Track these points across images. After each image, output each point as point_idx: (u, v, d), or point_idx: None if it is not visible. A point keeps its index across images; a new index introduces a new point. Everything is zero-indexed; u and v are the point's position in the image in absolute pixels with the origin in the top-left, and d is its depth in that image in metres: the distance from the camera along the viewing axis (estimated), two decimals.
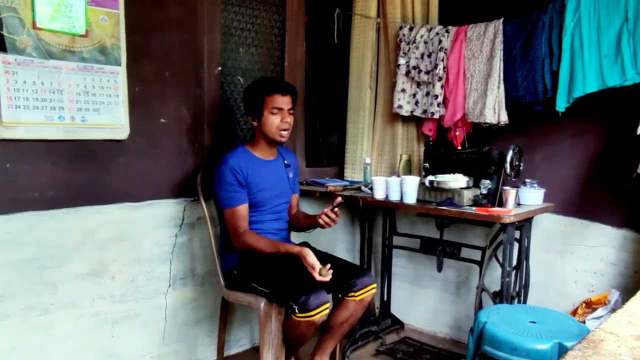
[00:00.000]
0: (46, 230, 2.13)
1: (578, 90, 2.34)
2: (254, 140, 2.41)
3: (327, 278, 2.10)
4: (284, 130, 2.33)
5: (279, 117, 2.30)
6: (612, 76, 2.27)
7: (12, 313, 2.06)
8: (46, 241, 2.13)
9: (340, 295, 2.28)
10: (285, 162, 2.50)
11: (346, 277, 2.25)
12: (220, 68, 2.71)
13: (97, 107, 2.22)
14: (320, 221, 2.27)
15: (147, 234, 2.45)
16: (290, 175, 2.51)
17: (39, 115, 2.06)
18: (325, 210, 2.27)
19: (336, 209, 2.26)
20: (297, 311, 2.04)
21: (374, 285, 2.29)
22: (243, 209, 2.29)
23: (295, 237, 2.58)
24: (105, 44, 2.22)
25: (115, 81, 2.26)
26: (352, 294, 2.22)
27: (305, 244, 2.52)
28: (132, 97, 2.32)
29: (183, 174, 2.56)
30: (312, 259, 2.13)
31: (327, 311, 2.10)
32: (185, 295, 2.63)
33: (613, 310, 2.27)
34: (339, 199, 2.27)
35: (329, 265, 2.13)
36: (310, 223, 2.43)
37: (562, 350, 1.76)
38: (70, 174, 2.19)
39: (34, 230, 2.09)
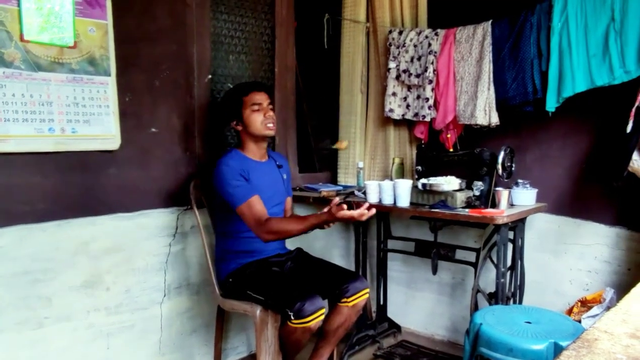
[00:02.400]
0: (38, 243, 2.11)
1: (567, 90, 2.36)
2: (242, 145, 2.41)
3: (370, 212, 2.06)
4: (270, 123, 2.33)
5: (261, 113, 2.32)
6: (601, 75, 2.28)
7: (5, 328, 2.04)
8: (38, 254, 2.11)
9: (334, 302, 2.27)
10: (277, 163, 2.50)
11: (339, 283, 2.24)
12: (210, 76, 2.71)
13: (88, 118, 2.21)
14: (357, 215, 2.07)
15: (141, 244, 2.44)
16: (284, 177, 2.51)
17: (29, 127, 2.05)
18: (362, 207, 2.08)
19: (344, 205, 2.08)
20: (292, 318, 2.03)
21: (367, 290, 2.28)
22: (257, 199, 2.22)
23: (290, 242, 2.57)
24: (94, 55, 2.21)
25: (105, 92, 2.26)
26: (345, 299, 2.21)
27: (299, 250, 2.52)
28: (122, 108, 2.32)
29: (175, 182, 2.56)
30: (343, 213, 2.01)
31: (322, 317, 2.09)
32: (181, 305, 2.62)
33: (608, 308, 2.27)
34: (337, 199, 2.16)
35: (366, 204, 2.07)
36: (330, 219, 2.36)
37: (558, 349, 1.76)
38: (62, 186, 2.17)
39: (25, 243, 2.08)
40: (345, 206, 2.02)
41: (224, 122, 2.56)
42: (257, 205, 2.20)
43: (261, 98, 2.34)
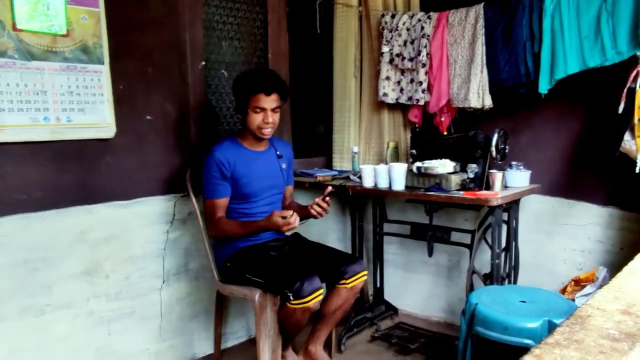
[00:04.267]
0: (37, 232, 2.13)
1: (560, 71, 2.37)
2: (243, 133, 2.41)
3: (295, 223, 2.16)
4: (267, 129, 2.32)
5: (261, 117, 2.29)
6: (593, 57, 2.29)
7: (7, 316, 2.06)
8: (37, 243, 2.13)
9: (332, 284, 2.30)
10: (278, 152, 2.50)
11: (337, 265, 2.27)
12: (203, 63, 2.70)
13: (82, 106, 2.21)
14: (313, 212, 2.28)
15: (139, 232, 2.46)
16: (284, 166, 2.51)
17: (24, 117, 2.05)
18: (317, 200, 2.27)
19: (327, 198, 2.27)
20: (291, 298, 2.06)
21: (365, 272, 2.31)
22: (222, 202, 2.33)
23: None
24: (87, 43, 2.21)
25: (99, 80, 2.26)
26: (344, 281, 2.25)
27: (296, 235, 2.54)
28: (116, 96, 2.32)
29: (171, 170, 2.57)
30: (276, 219, 2.16)
31: (321, 297, 2.13)
32: (180, 291, 2.65)
33: (601, 286, 2.31)
34: (329, 188, 2.28)
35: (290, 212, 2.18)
36: (303, 214, 2.44)
37: (552, 327, 1.80)
38: (59, 175, 2.18)
39: (24, 232, 2.09)
40: (277, 216, 2.17)
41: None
42: (218, 206, 2.32)
43: (267, 102, 2.27)
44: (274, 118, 2.32)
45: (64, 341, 2.23)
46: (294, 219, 2.15)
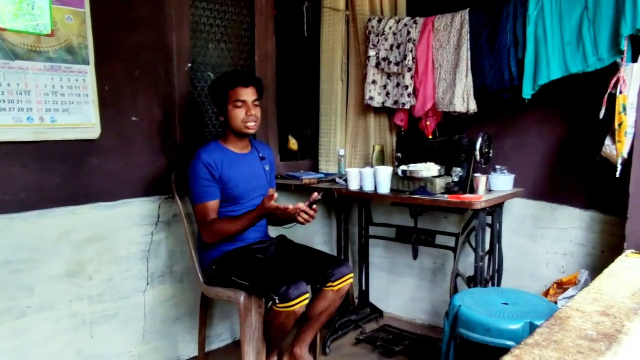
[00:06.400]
0: (19, 233, 2.11)
1: (543, 77, 2.40)
2: (225, 136, 2.41)
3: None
4: (251, 122, 2.32)
5: (244, 110, 2.29)
6: (575, 63, 2.33)
7: None
8: (20, 244, 2.11)
9: (318, 286, 2.30)
10: (260, 155, 2.51)
11: (324, 268, 2.28)
12: (190, 65, 2.70)
13: (67, 107, 2.20)
14: (300, 219, 2.20)
15: (123, 233, 2.44)
16: (267, 168, 2.51)
17: (7, 117, 2.04)
18: (303, 207, 2.18)
19: (314, 206, 2.21)
20: (277, 302, 2.06)
21: (352, 275, 2.32)
22: (214, 204, 2.31)
23: (273, 231, 2.59)
24: (73, 44, 2.20)
25: (84, 81, 2.24)
26: (330, 284, 2.25)
27: (282, 237, 2.54)
28: (102, 97, 2.31)
29: (157, 171, 2.56)
30: (269, 204, 2.12)
31: (307, 301, 2.13)
32: (164, 293, 2.63)
33: (583, 289, 2.34)
34: (316, 194, 2.21)
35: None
36: (288, 217, 2.42)
37: (533, 329, 1.82)
38: (43, 176, 2.17)
39: (6, 233, 2.07)
40: (275, 196, 2.13)
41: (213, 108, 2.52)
42: (210, 209, 2.29)
43: (247, 94, 2.30)
44: (256, 111, 2.33)
45: (45, 344, 2.21)
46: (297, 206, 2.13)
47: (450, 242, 2.78)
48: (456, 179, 2.56)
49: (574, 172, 2.62)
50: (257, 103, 2.35)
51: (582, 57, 2.29)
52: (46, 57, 2.12)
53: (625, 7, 2.09)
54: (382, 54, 2.94)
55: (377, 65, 2.97)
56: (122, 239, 2.44)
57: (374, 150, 3.05)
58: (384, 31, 2.93)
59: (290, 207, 2.12)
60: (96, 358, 2.38)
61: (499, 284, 2.77)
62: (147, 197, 2.53)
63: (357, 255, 3.30)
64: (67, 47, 2.18)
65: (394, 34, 2.91)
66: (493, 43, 2.58)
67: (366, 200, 3.12)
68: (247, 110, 2.30)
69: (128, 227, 2.46)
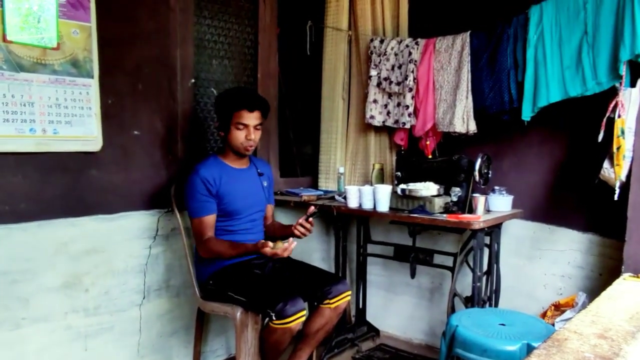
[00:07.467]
0: (17, 243, 2.10)
1: (542, 100, 2.43)
2: (224, 151, 2.43)
3: (288, 247, 2.13)
4: (249, 146, 2.35)
5: (244, 133, 2.32)
6: (574, 86, 2.35)
7: None
8: (17, 254, 2.10)
9: (315, 303, 2.30)
10: (259, 171, 2.52)
11: (321, 285, 2.27)
12: (193, 80, 2.72)
13: (70, 119, 2.21)
14: (296, 232, 2.28)
15: (121, 246, 2.44)
16: (265, 184, 2.53)
17: (10, 128, 2.05)
18: (300, 220, 2.28)
19: (310, 219, 2.28)
20: (274, 318, 2.06)
21: (349, 292, 2.32)
22: (211, 218, 2.32)
23: None
24: (78, 57, 2.22)
25: (87, 93, 2.26)
26: (328, 301, 2.25)
27: None
28: (104, 110, 2.33)
29: (157, 185, 2.56)
30: (265, 250, 2.14)
31: (303, 318, 2.12)
32: (161, 307, 2.62)
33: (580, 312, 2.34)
34: (312, 208, 2.30)
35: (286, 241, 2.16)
36: (285, 233, 2.44)
37: (530, 350, 1.81)
38: (43, 187, 2.17)
39: (4, 243, 2.07)
40: (270, 243, 2.14)
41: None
42: (207, 224, 2.31)
43: (250, 118, 2.31)
44: (255, 135, 2.35)
45: (39, 356, 2.19)
46: (291, 245, 2.15)
47: (448, 261, 2.77)
48: (455, 199, 2.57)
49: (572, 194, 2.63)
50: (258, 127, 2.36)
51: (581, 80, 2.32)
52: (51, 69, 2.15)
53: (624, 32, 2.13)
54: (384, 74, 2.97)
55: (379, 84, 3.00)
56: (119, 252, 2.44)
57: (373, 169, 3.06)
58: (385, 51, 2.96)
59: (286, 253, 2.15)
60: None
61: (496, 305, 2.76)
62: (146, 210, 2.53)
63: (355, 273, 3.29)
64: (72, 60, 2.20)
65: (396, 55, 2.94)
66: (493, 65, 2.61)
67: (365, 218, 3.12)
68: (247, 134, 2.32)
69: (126, 240, 2.46)
